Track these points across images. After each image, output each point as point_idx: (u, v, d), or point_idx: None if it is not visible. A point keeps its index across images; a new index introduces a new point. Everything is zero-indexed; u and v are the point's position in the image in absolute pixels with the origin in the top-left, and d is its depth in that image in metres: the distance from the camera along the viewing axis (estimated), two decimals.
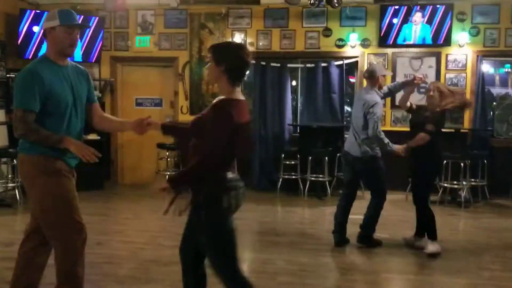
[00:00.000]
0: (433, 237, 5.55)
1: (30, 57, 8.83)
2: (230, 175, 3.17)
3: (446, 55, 8.78)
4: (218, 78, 3.16)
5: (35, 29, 8.78)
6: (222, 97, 3.17)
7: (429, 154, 5.46)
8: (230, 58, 3.13)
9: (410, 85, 5.89)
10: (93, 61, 9.27)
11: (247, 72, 3.25)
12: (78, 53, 9.03)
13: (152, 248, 5.73)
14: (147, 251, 5.60)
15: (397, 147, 5.48)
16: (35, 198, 3.49)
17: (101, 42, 9.20)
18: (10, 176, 8.16)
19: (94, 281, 4.54)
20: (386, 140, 5.46)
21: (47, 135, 3.38)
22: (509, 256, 5.63)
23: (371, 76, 5.65)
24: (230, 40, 8.96)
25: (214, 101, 3.22)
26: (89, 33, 9.04)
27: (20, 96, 3.36)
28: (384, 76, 5.83)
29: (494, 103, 9.11)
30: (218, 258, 3.15)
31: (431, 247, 5.50)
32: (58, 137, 3.40)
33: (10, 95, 8.91)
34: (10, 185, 8.01)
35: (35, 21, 8.74)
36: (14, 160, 7.79)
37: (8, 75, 8.96)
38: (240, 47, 3.35)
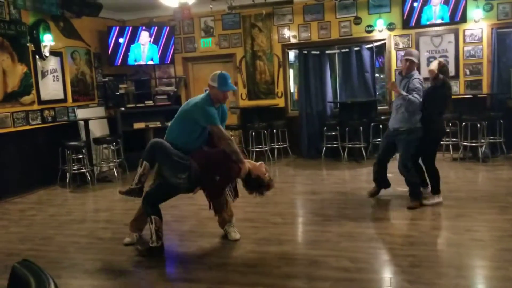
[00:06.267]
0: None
1: (118, 64, 9.55)
2: None
3: (464, 31, 8.74)
4: None
5: (121, 40, 9.49)
6: None
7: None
8: None
9: None
10: (168, 62, 10.02)
11: None
12: (155, 57, 9.78)
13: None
14: (206, 210, 6.00)
15: None
16: None
17: (173, 46, 9.85)
18: (111, 158, 9.02)
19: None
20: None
21: None
22: (510, 202, 5.73)
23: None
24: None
25: None
26: (163, 40, 9.67)
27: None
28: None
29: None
30: None
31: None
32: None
33: (107, 95, 9.76)
34: (111, 165, 8.87)
35: (120, 34, 9.50)
36: (111, 146, 8.57)
37: (103, 79, 9.70)
38: None
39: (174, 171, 4.39)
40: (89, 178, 8.23)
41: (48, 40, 8.19)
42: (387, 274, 3.89)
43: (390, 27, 9.14)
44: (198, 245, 4.85)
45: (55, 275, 4.07)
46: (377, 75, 9.71)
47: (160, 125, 9.24)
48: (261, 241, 4.82)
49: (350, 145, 8.91)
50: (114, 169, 8.60)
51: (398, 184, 6.71)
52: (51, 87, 8.56)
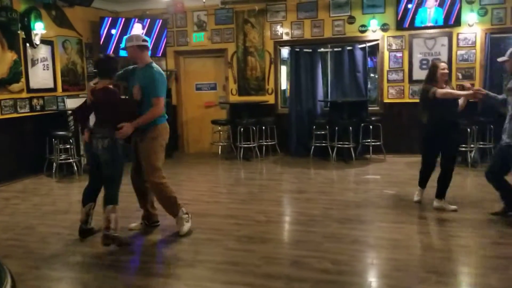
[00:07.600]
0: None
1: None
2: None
3: (457, 34, 8.68)
4: None
5: (113, 32, 9.34)
6: None
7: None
8: None
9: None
10: (160, 55, 9.87)
11: None
12: None
13: (195, 203, 6.12)
14: (190, 205, 5.76)
15: None
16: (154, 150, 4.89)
17: (165, 39, 9.73)
18: None
19: (144, 228, 5.12)
20: None
21: None
22: (496, 208, 5.43)
23: None
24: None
25: None
26: (155, 32, 9.55)
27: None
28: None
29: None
30: None
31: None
32: None
33: None
34: None
35: (113, 25, 9.35)
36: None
37: (94, 70, 9.53)
38: None
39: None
40: (75, 168, 8.11)
41: (39, 28, 8.05)
42: (368, 278, 3.81)
43: (384, 27, 9.06)
44: (179, 241, 4.75)
45: (33, 266, 4.03)
46: (372, 74, 9.66)
47: None
48: (243, 239, 4.73)
49: (339, 145, 8.80)
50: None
51: (385, 187, 6.68)
52: (41, 76, 8.42)
